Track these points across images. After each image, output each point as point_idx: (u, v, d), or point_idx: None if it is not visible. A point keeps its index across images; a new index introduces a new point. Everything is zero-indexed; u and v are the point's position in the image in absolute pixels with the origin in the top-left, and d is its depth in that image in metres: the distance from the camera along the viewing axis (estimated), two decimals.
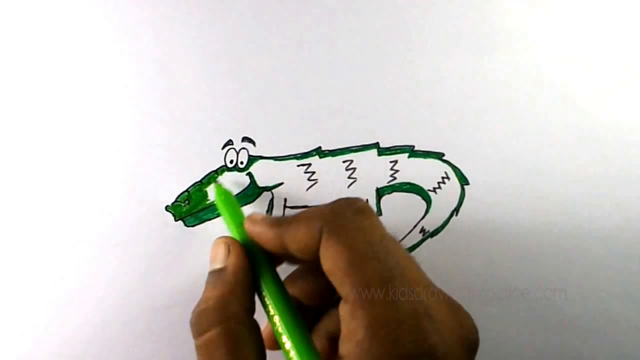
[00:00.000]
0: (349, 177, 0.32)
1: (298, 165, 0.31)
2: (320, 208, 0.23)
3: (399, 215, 0.33)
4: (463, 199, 0.34)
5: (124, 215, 0.29)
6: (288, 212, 0.31)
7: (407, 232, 0.34)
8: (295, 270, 0.28)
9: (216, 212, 0.30)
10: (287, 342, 0.22)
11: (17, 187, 0.27)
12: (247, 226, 0.26)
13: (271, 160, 0.30)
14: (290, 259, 0.25)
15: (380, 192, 0.33)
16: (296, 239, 0.23)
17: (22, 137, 0.26)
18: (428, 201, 0.33)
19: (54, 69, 0.26)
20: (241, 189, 0.30)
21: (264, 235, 0.25)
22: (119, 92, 0.27)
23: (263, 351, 0.23)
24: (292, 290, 0.27)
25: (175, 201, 0.29)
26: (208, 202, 0.30)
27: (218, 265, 0.25)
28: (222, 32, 0.27)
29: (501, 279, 0.36)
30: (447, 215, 0.34)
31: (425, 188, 0.33)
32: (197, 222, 0.30)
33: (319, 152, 0.31)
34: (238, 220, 0.27)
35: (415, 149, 0.32)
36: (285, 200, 0.31)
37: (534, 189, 0.34)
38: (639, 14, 0.31)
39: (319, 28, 0.29)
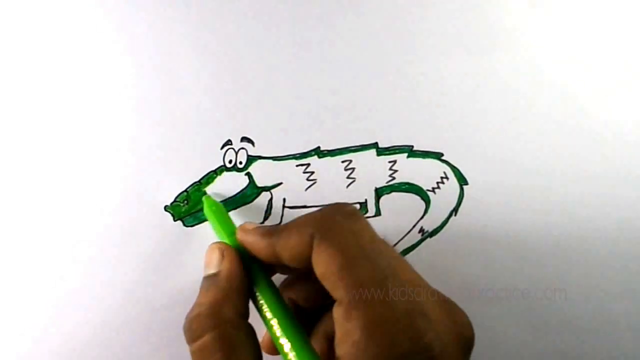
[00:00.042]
0: (347, 177, 0.32)
1: (297, 165, 0.31)
2: (311, 215, 0.23)
3: (398, 215, 0.33)
4: (462, 199, 0.34)
5: (123, 215, 0.29)
6: (287, 212, 0.31)
7: (406, 232, 0.34)
8: (287, 278, 0.28)
9: None
10: (285, 344, 0.22)
11: (16, 187, 0.27)
12: (240, 236, 0.26)
13: (270, 160, 0.30)
14: (283, 268, 0.25)
15: (379, 192, 0.33)
16: (288, 247, 0.23)
17: (21, 137, 0.26)
18: (427, 201, 0.33)
19: (54, 69, 0.26)
20: (240, 189, 0.30)
21: (256, 245, 0.25)
22: (118, 92, 0.27)
23: (260, 355, 0.23)
24: (287, 295, 0.27)
25: (174, 201, 0.29)
26: None
27: (212, 270, 0.25)
28: (221, 32, 0.27)
29: (501, 279, 0.36)
30: (446, 215, 0.34)
31: (424, 188, 0.33)
32: (196, 222, 0.30)
33: (318, 152, 0.31)
34: (230, 230, 0.27)
35: (414, 149, 0.32)
36: (284, 200, 0.31)
37: (533, 189, 0.34)
38: (639, 14, 0.31)
39: (319, 28, 0.29)
